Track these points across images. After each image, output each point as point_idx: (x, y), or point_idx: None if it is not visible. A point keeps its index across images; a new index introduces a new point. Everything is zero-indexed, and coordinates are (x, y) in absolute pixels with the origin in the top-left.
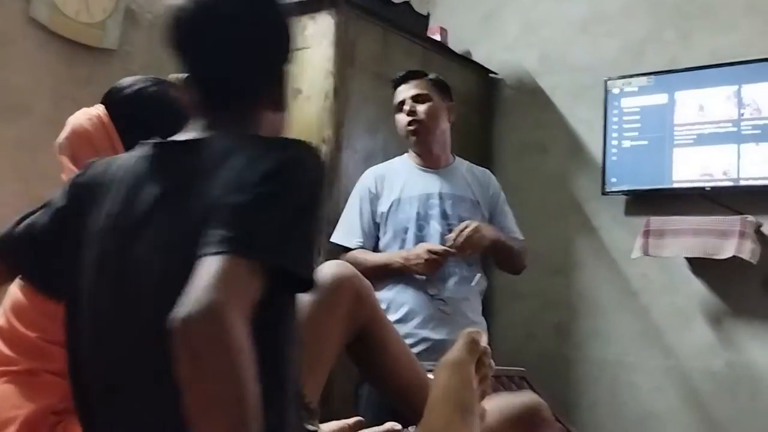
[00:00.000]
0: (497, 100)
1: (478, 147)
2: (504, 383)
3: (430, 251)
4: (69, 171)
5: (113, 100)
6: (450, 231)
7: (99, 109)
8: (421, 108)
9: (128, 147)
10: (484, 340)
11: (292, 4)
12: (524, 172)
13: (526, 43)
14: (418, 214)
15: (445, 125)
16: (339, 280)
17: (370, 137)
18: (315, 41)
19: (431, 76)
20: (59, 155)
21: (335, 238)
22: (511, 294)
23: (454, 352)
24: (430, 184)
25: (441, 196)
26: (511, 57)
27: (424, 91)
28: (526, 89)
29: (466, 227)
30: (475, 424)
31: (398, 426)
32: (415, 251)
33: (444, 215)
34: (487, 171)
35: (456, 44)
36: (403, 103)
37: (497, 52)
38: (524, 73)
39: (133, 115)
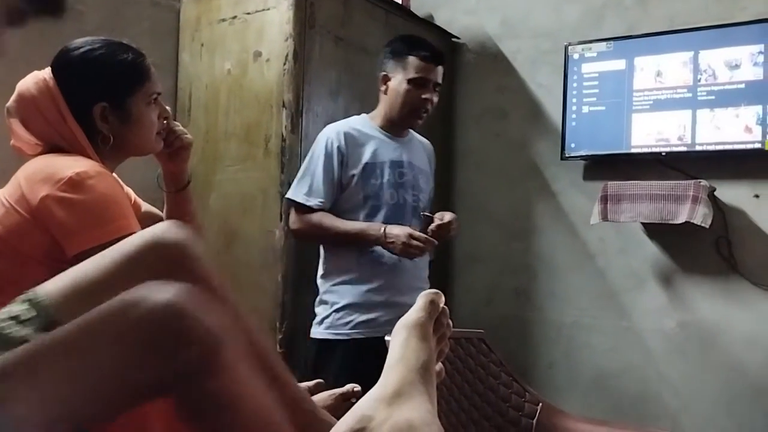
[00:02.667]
0: (459, 64)
1: (440, 111)
2: (463, 345)
3: (411, 236)
4: (18, 136)
5: (60, 63)
6: (415, 201)
7: (46, 73)
8: (435, 99)
9: (75, 111)
10: (442, 301)
11: None
12: (485, 136)
13: (488, 7)
14: (388, 181)
15: None
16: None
17: (331, 100)
18: (274, 2)
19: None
20: (8, 119)
21: (294, 195)
22: (470, 258)
23: (412, 313)
24: (398, 151)
25: (409, 166)
26: (472, 21)
27: (441, 82)
28: (487, 54)
29: (451, 222)
30: (433, 383)
31: (358, 387)
32: (396, 232)
33: (412, 186)
34: (430, 144)
35: (418, 8)
36: (424, 82)
37: (459, 16)
38: (486, 38)
39: (77, 79)
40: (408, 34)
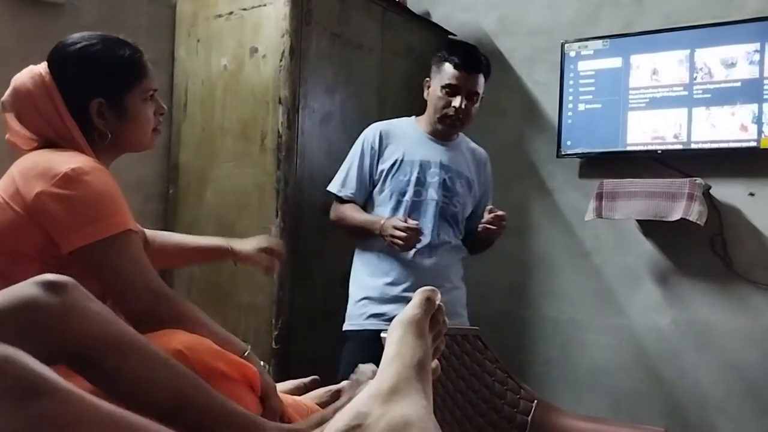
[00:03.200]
0: None
1: None
2: (458, 342)
3: (395, 227)
4: (13, 131)
5: (56, 58)
6: (445, 202)
7: (42, 67)
8: (471, 108)
9: (71, 107)
10: (438, 298)
11: None
12: (481, 134)
13: (485, 4)
14: (417, 179)
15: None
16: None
17: (328, 97)
18: None
19: (487, 63)
20: (3, 113)
21: (331, 187)
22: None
23: (408, 309)
24: (434, 152)
25: (442, 167)
26: (469, 18)
27: (479, 91)
28: (484, 51)
29: (502, 217)
30: (429, 380)
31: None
32: (386, 224)
33: (443, 186)
34: (485, 153)
35: (415, 4)
36: (455, 89)
37: (456, 12)
38: (483, 35)
39: (74, 74)
40: (461, 41)
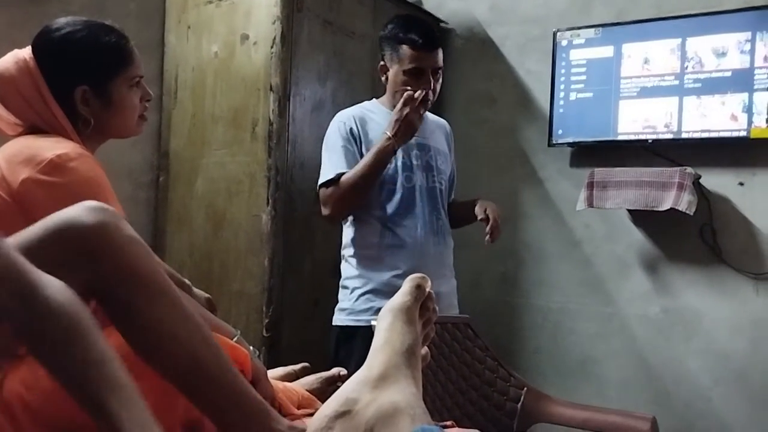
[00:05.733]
0: (448, 49)
1: None
2: (449, 330)
3: (400, 109)
4: None
5: (40, 43)
6: (434, 182)
7: (27, 52)
8: (436, 86)
9: (55, 93)
10: (428, 285)
11: None
12: (473, 122)
13: None
14: (404, 164)
15: None
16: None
17: (319, 85)
18: None
19: (438, 36)
20: None
21: (322, 179)
22: (457, 243)
23: (398, 296)
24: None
25: (422, 147)
26: (461, 6)
27: (441, 65)
28: (476, 39)
29: (497, 218)
30: (418, 367)
31: (344, 371)
32: (391, 122)
33: (428, 167)
34: (447, 124)
35: None
36: (420, 72)
37: (448, 0)
38: (475, 23)
39: (58, 60)
40: (400, 15)
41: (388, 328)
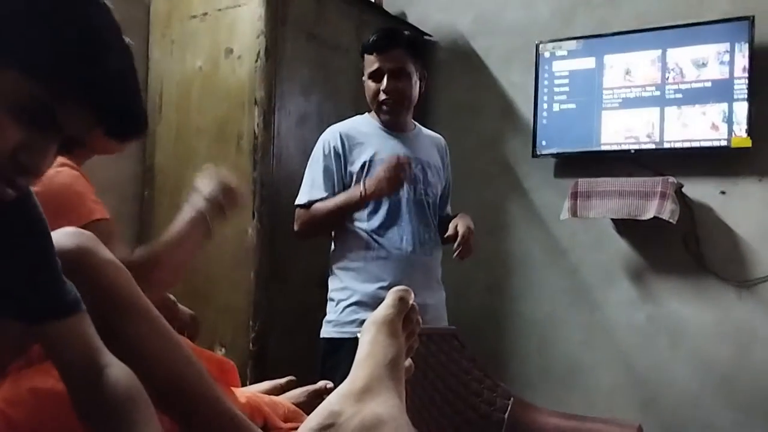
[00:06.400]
0: (432, 62)
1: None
2: (435, 341)
3: (385, 169)
4: None
5: None
6: (422, 195)
7: None
8: (399, 85)
9: None
10: (411, 297)
11: None
12: (458, 134)
13: (461, 4)
14: None
15: (417, 96)
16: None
17: (304, 99)
18: None
19: (406, 37)
20: None
21: (299, 199)
22: (443, 253)
23: (381, 309)
24: (400, 147)
25: (414, 161)
26: (445, 18)
27: (402, 65)
28: (460, 51)
29: (465, 235)
30: (401, 379)
31: (331, 384)
32: (373, 179)
33: (415, 180)
34: (443, 139)
35: (391, 5)
36: (378, 74)
37: (432, 13)
38: (458, 35)
39: None
40: (381, 28)
41: (371, 340)
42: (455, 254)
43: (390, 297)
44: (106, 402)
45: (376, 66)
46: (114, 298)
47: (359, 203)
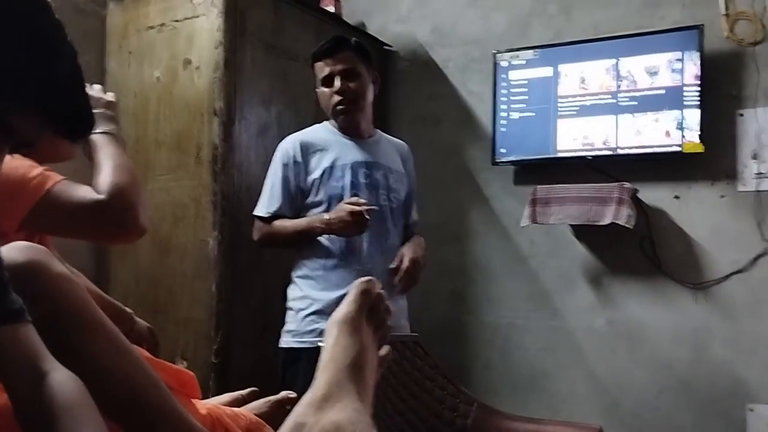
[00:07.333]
0: (391, 72)
1: (374, 118)
2: (398, 348)
3: (351, 212)
4: None
5: None
6: (385, 201)
7: None
8: (351, 85)
9: None
10: (376, 287)
11: None
12: (418, 143)
13: (419, 15)
14: (352, 182)
15: (371, 98)
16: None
17: (264, 109)
18: (203, 9)
19: (354, 42)
20: None
21: (256, 210)
22: None
23: (342, 307)
24: (360, 153)
25: (372, 166)
26: (404, 29)
27: (353, 66)
28: (419, 61)
29: (408, 269)
30: (368, 378)
31: (293, 394)
32: (336, 213)
33: (379, 185)
34: (406, 145)
35: (350, 15)
36: (330, 78)
37: (391, 24)
38: (417, 46)
39: None
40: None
41: (333, 343)
42: (396, 288)
43: (351, 292)
44: (50, 407)
45: (327, 71)
46: (68, 312)
47: (318, 234)
